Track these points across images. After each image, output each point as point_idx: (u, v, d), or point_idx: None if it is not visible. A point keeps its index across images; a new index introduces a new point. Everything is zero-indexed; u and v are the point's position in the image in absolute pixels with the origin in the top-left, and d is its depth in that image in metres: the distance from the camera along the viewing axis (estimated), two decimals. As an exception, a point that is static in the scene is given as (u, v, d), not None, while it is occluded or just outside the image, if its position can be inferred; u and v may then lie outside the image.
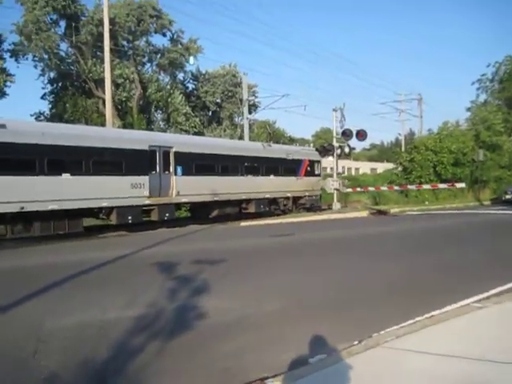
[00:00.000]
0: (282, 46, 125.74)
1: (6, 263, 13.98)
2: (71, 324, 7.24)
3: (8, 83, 35.12)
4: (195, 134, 44.10)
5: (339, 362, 5.27)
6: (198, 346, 6.26)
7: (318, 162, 33.97)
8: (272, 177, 29.43)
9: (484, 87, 58.06)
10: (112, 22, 35.98)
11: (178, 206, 25.02)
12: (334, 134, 32.79)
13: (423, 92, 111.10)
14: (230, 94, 51.17)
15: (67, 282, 10.23)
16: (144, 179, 21.52)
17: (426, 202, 37.90)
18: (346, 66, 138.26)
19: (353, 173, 76.44)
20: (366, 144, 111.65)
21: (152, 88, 44.04)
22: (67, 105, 40.08)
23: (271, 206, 29.75)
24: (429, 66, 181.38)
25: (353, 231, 20.83)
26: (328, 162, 42.22)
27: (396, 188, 37.80)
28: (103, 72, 31.63)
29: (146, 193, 21.60)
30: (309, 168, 32.79)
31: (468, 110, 55.85)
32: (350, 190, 35.56)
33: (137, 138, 22.61)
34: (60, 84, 42.77)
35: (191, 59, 41.86)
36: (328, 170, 55.34)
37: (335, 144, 32.05)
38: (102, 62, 32.29)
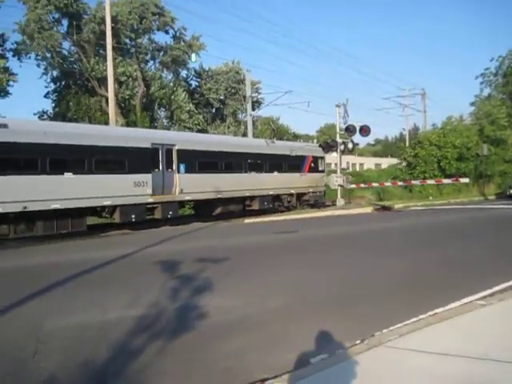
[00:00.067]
0: (284, 42, 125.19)
1: (9, 263, 13.99)
2: (72, 324, 7.21)
3: (11, 82, 35.12)
4: (199, 131, 44.09)
5: (341, 362, 5.21)
6: (199, 346, 6.21)
7: (322, 158, 33.91)
8: (276, 173, 29.37)
9: (488, 81, 57.75)
10: (114, 19, 35.96)
11: (182, 203, 24.99)
12: (338, 130, 32.71)
13: (427, 87, 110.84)
14: (233, 90, 51.09)
15: (70, 282, 10.21)
16: (147, 177, 21.49)
17: (431, 197, 37.78)
18: (349, 61, 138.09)
19: (357, 168, 76.23)
20: (370, 139, 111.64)
21: (155, 86, 44.02)
22: (70, 103, 40.14)
23: (275, 203, 29.70)
24: (432, 60, 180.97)
25: (357, 227, 20.75)
26: (332, 157, 42.08)
27: (400, 183, 37.68)
28: (106, 70, 31.62)
29: (149, 191, 21.57)
30: (312, 164, 32.71)
31: (472, 104, 55.59)
32: (353, 186, 35.45)
33: (139, 136, 22.58)
34: (63, 82, 42.82)
35: (193, 56, 41.74)
36: (332, 166, 55.18)
37: (339, 140, 31.98)
38: (105, 60, 32.26)
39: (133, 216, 20.98)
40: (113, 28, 31.62)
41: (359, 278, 9.97)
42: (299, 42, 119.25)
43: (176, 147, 23.05)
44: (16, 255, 15.78)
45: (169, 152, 22.77)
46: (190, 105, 46.01)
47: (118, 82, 39.32)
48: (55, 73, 42.19)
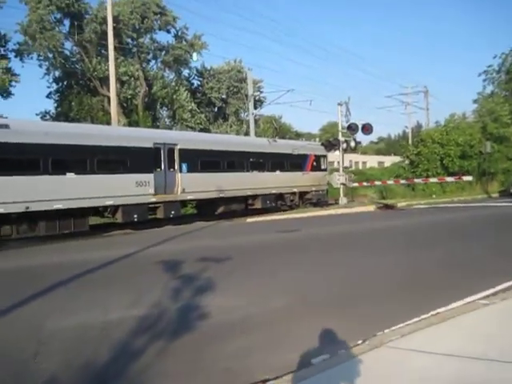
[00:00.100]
0: (286, 41, 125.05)
1: (12, 263, 14.02)
2: (74, 325, 7.21)
3: (13, 83, 35.12)
4: (201, 130, 44.04)
5: (343, 362, 5.20)
6: (201, 347, 6.20)
7: (324, 156, 33.83)
8: (278, 172, 29.32)
9: (491, 78, 57.52)
10: (116, 19, 35.90)
11: (184, 203, 24.98)
12: (340, 129, 32.67)
13: (429, 84, 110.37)
14: (235, 89, 51.00)
15: (72, 282, 10.22)
16: (149, 177, 21.48)
17: (434, 196, 37.75)
18: (351, 60, 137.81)
19: (360, 167, 76.09)
20: (373, 137, 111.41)
21: (157, 85, 43.97)
22: (72, 103, 40.10)
23: (277, 202, 29.65)
24: (434, 58, 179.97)
25: (359, 226, 20.73)
26: (335, 156, 42.05)
27: (403, 182, 37.62)
28: (108, 70, 31.60)
29: (152, 190, 21.55)
30: (315, 163, 32.62)
31: (475, 101, 55.48)
32: (356, 184, 35.42)
33: (141, 136, 22.56)
34: (65, 83, 42.79)
35: (194, 56, 41.71)
36: (335, 165, 55.19)
37: (341, 138, 31.96)
38: (107, 59, 32.26)
39: (135, 216, 20.97)
40: (114, 28, 31.58)
41: (360, 278, 9.94)
42: (301, 41, 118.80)
43: (178, 147, 23.03)
44: (18, 255, 15.81)
45: (171, 151, 22.75)
46: (192, 104, 45.94)
47: (120, 82, 39.31)
48: (57, 73, 42.14)
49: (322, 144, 34.01)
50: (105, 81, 37.87)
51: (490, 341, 5.56)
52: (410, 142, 51.59)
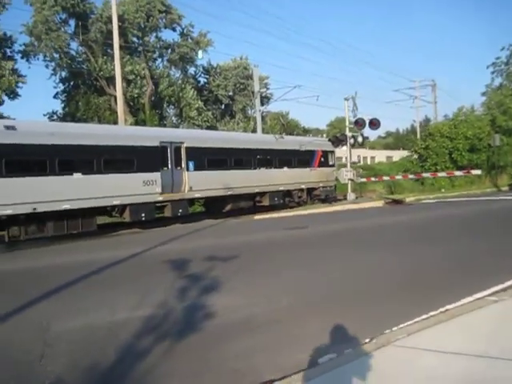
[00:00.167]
0: (293, 37, 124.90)
1: (19, 264, 14.07)
2: (80, 326, 7.20)
3: (20, 84, 35.24)
4: (208, 128, 43.99)
5: (349, 362, 5.14)
6: (207, 347, 6.17)
7: (332, 152, 33.69)
8: (285, 169, 29.23)
9: (499, 71, 57.17)
10: (121, 18, 35.93)
11: (192, 201, 24.95)
12: (347, 124, 32.54)
13: (437, 78, 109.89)
14: (241, 86, 50.90)
15: (79, 283, 10.23)
16: (156, 176, 21.47)
17: (443, 190, 37.50)
18: (358, 55, 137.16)
19: (368, 161, 75.92)
20: (381, 132, 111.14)
21: (163, 83, 43.95)
22: (79, 103, 40.21)
23: (285, 199, 29.57)
24: (441, 51, 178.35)
25: (367, 222, 20.62)
26: (343, 151, 41.91)
27: (411, 176, 37.41)
28: (114, 69, 31.61)
29: (159, 189, 21.54)
30: (322, 159, 32.49)
31: (483, 94, 55.11)
32: (364, 179, 35.28)
33: (147, 135, 22.56)
34: (72, 83, 42.87)
35: (200, 53, 41.66)
36: (343, 160, 55.08)
37: (348, 134, 31.83)
38: (113, 59, 32.24)
39: (143, 215, 20.97)
40: (120, 27, 31.60)
41: (367, 276, 9.86)
42: (308, 38, 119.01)
43: (184, 145, 23.00)
44: (27, 256, 15.85)
45: (177, 150, 22.73)
46: (199, 102, 45.89)
47: (127, 81, 39.34)
48: (64, 73, 42.25)
49: (330, 140, 33.89)
50: (111, 80, 37.89)
51: (498, 339, 5.48)
52: (418, 136, 51.33)
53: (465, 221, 19.06)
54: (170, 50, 45.96)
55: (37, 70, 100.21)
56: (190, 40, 45.95)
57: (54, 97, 43.33)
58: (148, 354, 5.96)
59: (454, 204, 27.25)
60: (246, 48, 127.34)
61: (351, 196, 32.06)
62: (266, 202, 27.97)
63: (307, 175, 30.75)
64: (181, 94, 44.54)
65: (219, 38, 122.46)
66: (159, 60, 47.31)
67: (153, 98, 43.78)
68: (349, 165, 33.09)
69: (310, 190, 31.36)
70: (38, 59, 39.60)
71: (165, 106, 46.41)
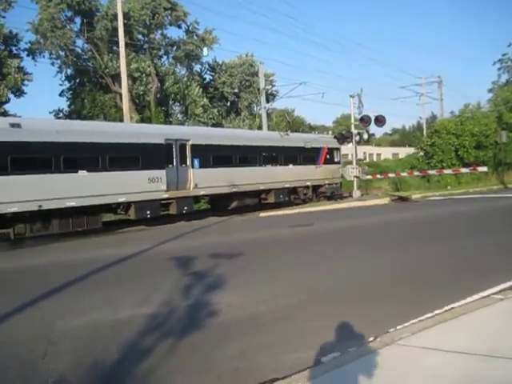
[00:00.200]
0: (299, 34, 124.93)
1: (24, 261, 14.11)
2: (84, 324, 7.19)
3: (26, 82, 35.32)
4: (213, 125, 43.99)
5: (352, 361, 5.09)
6: (210, 345, 6.14)
7: (337, 149, 33.62)
8: (291, 166, 29.18)
9: (505, 67, 56.81)
10: (126, 16, 35.97)
11: (197, 198, 24.95)
12: (353, 121, 32.44)
13: (443, 75, 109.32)
14: (247, 83, 50.81)
15: (84, 280, 10.23)
16: (161, 173, 21.48)
17: (449, 187, 37.32)
18: (364, 52, 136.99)
19: (374, 158, 75.77)
20: (387, 129, 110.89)
21: (169, 81, 43.95)
22: (85, 101, 40.28)
23: (291, 196, 29.53)
24: (448, 48, 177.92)
25: (372, 219, 20.54)
26: (349, 148, 41.85)
27: (416, 173, 37.28)
28: (119, 67, 31.63)
29: (164, 187, 21.55)
30: (328, 156, 32.44)
31: (490, 91, 54.83)
32: (369, 177, 35.18)
33: (153, 132, 22.58)
34: (77, 80, 42.97)
35: (205, 50, 41.57)
36: (349, 157, 55.02)
37: (353, 131, 31.74)
38: (118, 56, 32.23)
39: (148, 212, 21.00)
40: (125, 24, 31.64)
41: (373, 274, 9.79)
42: (314, 35, 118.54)
43: (190, 142, 23.00)
44: (32, 254, 15.89)
45: (182, 147, 22.73)
46: (205, 99, 45.84)
47: (132, 78, 39.37)
48: (69, 71, 42.38)
49: (335, 137, 33.80)
50: (117, 78, 37.90)
51: (504, 338, 5.43)
52: (424, 132, 51.13)
53: (471, 218, 18.95)
54: (175, 48, 45.95)
55: (42, 67, 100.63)
56: (195, 37, 45.90)
57: (60, 94, 43.49)
58: (151, 351, 5.94)
59: (460, 201, 27.10)
60: (252, 45, 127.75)
61: (357, 193, 31.97)
62: (271, 200, 27.95)
63: (313, 172, 30.69)
64: (186, 92, 44.53)
65: (225, 35, 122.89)
66: (165, 57, 47.36)
67: (158, 96, 43.77)
68: (354, 162, 32.99)
69: (315, 188, 31.33)
70: (43, 57, 39.84)
71: (170, 103, 46.40)
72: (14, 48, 36.22)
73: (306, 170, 30.21)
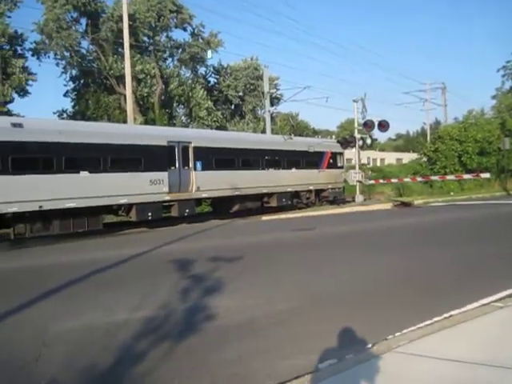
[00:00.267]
0: (303, 38, 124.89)
1: (23, 262, 14.06)
2: (79, 326, 7.12)
3: (30, 82, 35.38)
4: (217, 128, 43.94)
5: (349, 368, 5.02)
6: (206, 350, 6.07)
7: (341, 153, 33.58)
8: (294, 170, 29.13)
9: (509, 74, 56.75)
10: (132, 18, 36.00)
11: (199, 201, 24.90)
12: (356, 125, 32.42)
13: (447, 81, 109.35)
14: (252, 87, 50.82)
15: (82, 282, 10.18)
16: (163, 175, 21.42)
17: (452, 193, 37.24)
18: (368, 56, 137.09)
19: (378, 163, 75.66)
20: (391, 134, 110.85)
21: (173, 83, 43.97)
22: (89, 102, 40.28)
23: (293, 200, 29.47)
24: (452, 54, 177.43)
25: (374, 224, 20.47)
26: (352, 153, 41.83)
27: (419, 179, 37.22)
28: (124, 68, 31.64)
29: (166, 189, 21.50)
30: (331, 160, 32.38)
31: (493, 97, 54.72)
32: (372, 181, 35.12)
33: (155, 134, 22.55)
34: (82, 81, 43.01)
35: (209, 53, 41.56)
36: (353, 162, 54.94)
37: (357, 135, 31.70)
38: (123, 58, 32.24)
39: (149, 214, 20.94)
40: (130, 26, 31.65)
41: (375, 279, 9.73)
42: (318, 39, 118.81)
43: (192, 144, 22.96)
44: (32, 254, 15.85)
45: (185, 149, 22.69)
46: (209, 102, 45.84)
47: (137, 80, 39.40)
48: (74, 72, 42.40)
49: (338, 141, 33.76)
50: (121, 79, 37.89)
51: (504, 346, 5.36)
52: (428, 138, 51.06)
53: (474, 224, 18.87)
54: (180, 50, 45.98)
55: (47, 68, 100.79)
56: (200, 40, 45.95)
57: (64, 95, 43.51)
58: (147, 355, 5.88)
59: (463, 207, 27.01)
60: (257, 49, 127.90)
61: (359, 198, 31.92)
62: (273, 203, 27.89)
63: (315, 176, 30.63)
64: (190, 94, 44.54)
65: (230, 38, 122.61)
66: (169, 60, 47.41)
67: (162, 98, 43.78)
68: (357, 166, 32.94)
69: (318, 192, 31.25)
70: (48, 57, 39.86)
71: (174, 105, 46.40)
72: (18, 48, 36.29)
73: (309, 174, 30.14)
